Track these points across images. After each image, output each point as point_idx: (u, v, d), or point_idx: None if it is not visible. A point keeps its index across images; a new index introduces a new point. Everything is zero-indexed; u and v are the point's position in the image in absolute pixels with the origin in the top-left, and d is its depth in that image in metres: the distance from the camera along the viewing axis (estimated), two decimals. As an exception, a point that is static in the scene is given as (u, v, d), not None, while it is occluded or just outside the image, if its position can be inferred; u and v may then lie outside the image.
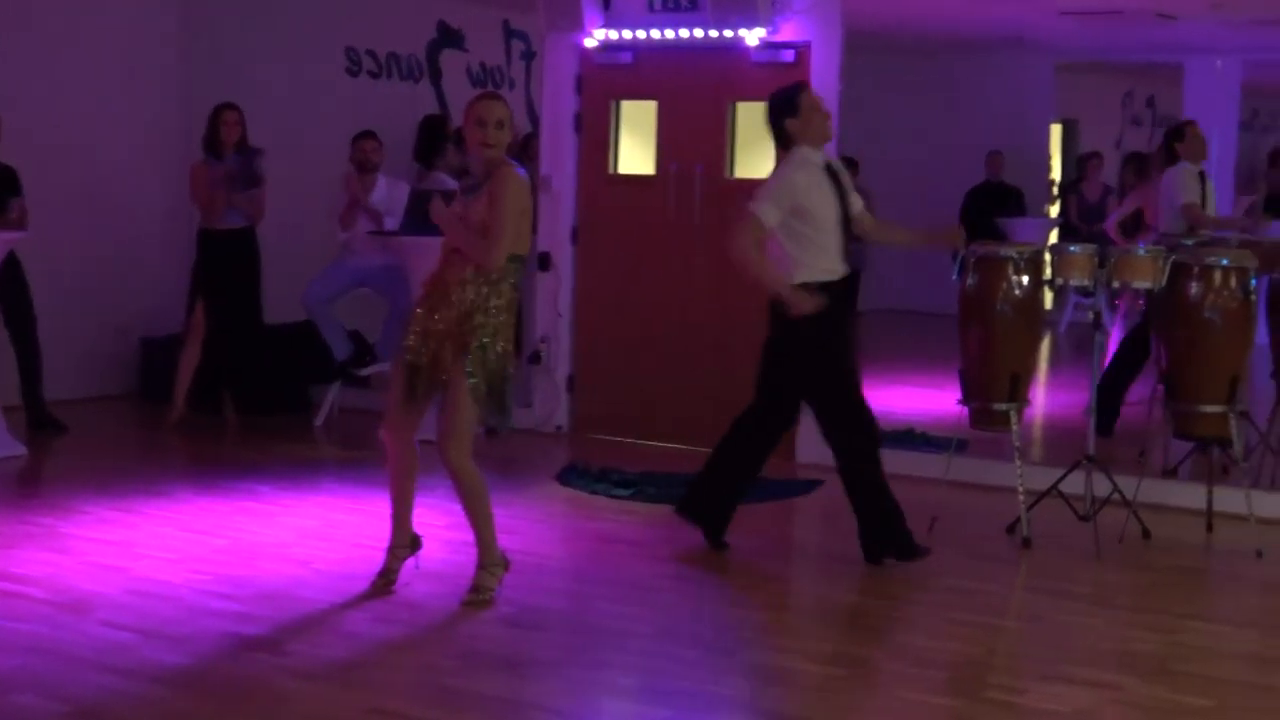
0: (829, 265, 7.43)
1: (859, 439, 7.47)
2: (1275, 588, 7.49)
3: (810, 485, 9.18)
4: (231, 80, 11.30)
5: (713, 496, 7.65)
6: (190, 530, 7.79)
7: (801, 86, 7.71)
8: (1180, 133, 10.51)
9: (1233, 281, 7.91)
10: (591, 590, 7.09)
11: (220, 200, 10.37)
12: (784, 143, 7.55)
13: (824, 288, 7.32)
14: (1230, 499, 8.20)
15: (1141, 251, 8.16)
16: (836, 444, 7.53)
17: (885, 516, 7.36)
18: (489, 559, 6.69)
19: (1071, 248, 8.30)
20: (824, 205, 7.39)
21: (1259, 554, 7.76)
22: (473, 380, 6.41)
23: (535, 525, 8.06)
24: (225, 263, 10.59)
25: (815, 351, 7.39)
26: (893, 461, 9.39)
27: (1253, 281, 7.96)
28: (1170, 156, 10.51)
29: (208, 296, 10.60)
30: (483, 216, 6.43)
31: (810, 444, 9.67)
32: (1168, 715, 5.65)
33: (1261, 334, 8.61)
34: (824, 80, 9.57)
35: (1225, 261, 7.98)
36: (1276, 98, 21.25)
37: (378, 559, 6.83)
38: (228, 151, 10.49)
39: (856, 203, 7.68)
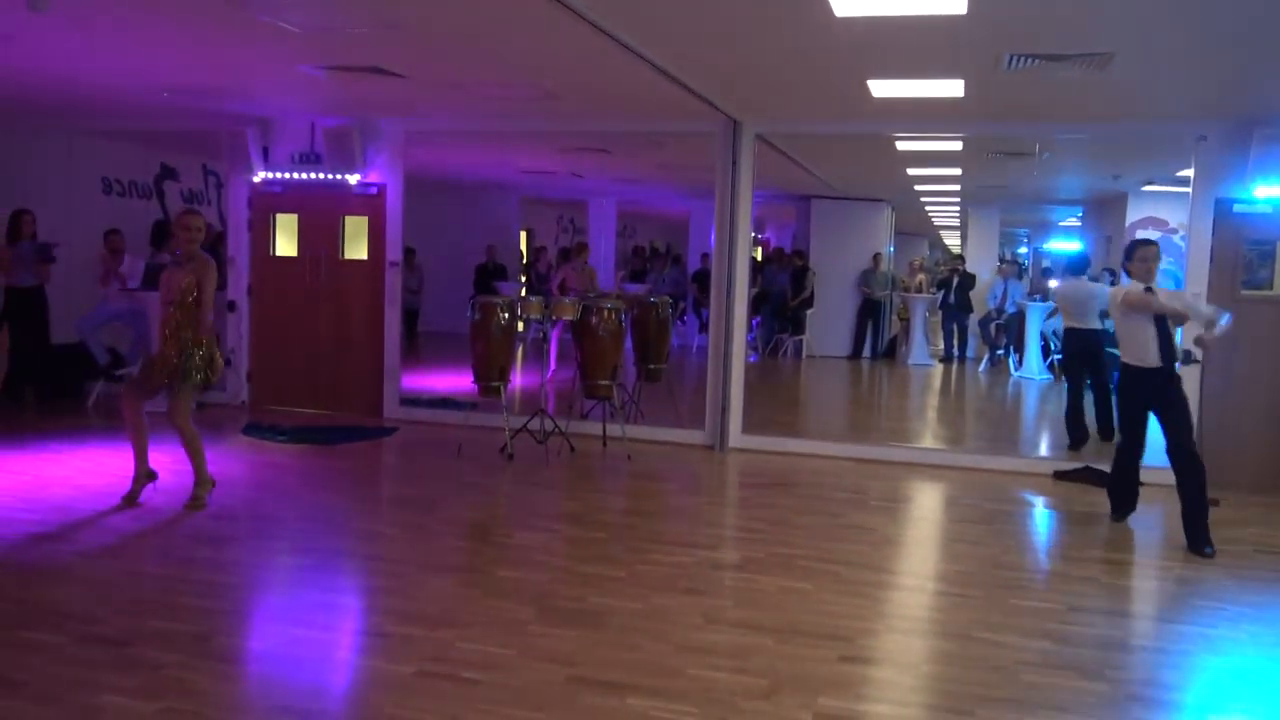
0: (1143, 355, 6.25)
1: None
2: (638, 475, 7.78)
3: (390, 430, 9.00)
4: (25, 193, 10.16)
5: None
6: (3, 471, 7.04)
7: (1140, 243, 6.43)
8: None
9: (614, 315, 8.28)
10: (263, 496, 6.79)
11: (16, 270, 9.54)
12: (1127, 274, 6.45)
13: (1140, 369, 6.26)
14: (614, 429, 8.56)
15: (567, 301, 8.44)
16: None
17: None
18: (202, 479, 6.41)
19: (531, 298, 8.52)
20: (1141, 315, 6.23)
21: (629, 457, 8.15)
22: (191, 379, 6.20)
23: (228, 459, 7.67)
24: (24, 306, 9.67)
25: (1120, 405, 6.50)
26: (439, 416, 9.47)
27: (623, 315, 8.41)
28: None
29: (12, 327, 9.70)
30: (189, 284, 6.19)
31: (393, 403, 9.62)
32: (581, 544, 5.89)
33: (628, 343, 8.95)
34: (394, 205, 9.52)
35: (610, 305, 8.37)
36: (634, 218, 22.38)
37: (128, 486, 6.40)
38: (24, 240, 9.59)
39: (1176, 308, 6.22)
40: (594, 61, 6.55)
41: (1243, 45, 5.62)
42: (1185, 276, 7.96)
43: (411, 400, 9.80)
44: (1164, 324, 6.22)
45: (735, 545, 6.01)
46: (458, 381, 10.44)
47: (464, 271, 16.08)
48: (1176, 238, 12.79)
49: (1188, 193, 8.01)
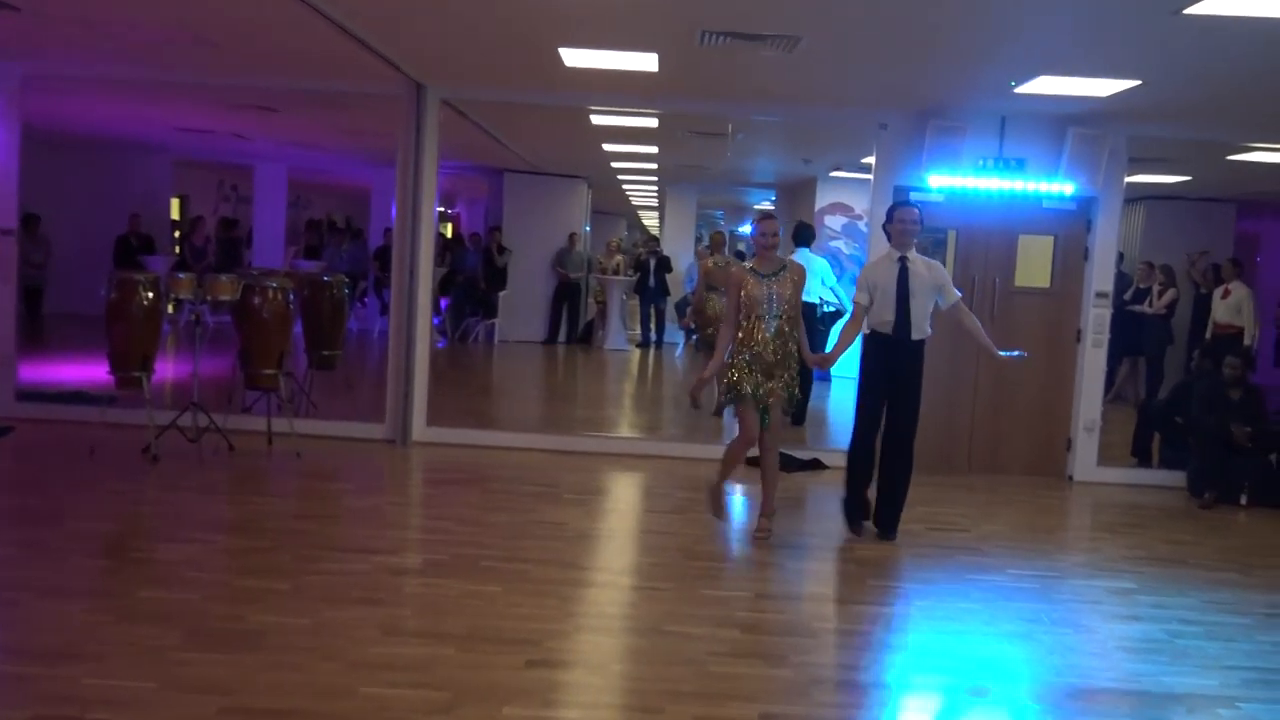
0: (885, 320, 6.29)
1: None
2: (309, 474, 7.56)
3: (5, 431, 8.09)
4: None
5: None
6: None
7: (900, 204, 6.49)
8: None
9: (280, 295, 7.97)
10: None
11: None
12: (888, 239, 6.49)
13: (881, 335, 6.30)
14: (281, 424, 8.20)
15: (223, 279, 7.97)
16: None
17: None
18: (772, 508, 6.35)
19: (181, 275, 8.00)
20: (888, 285, 6.27)
21: (298, 455, 7.86)
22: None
23: None
24: None
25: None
26: (68, 413, 8.66)
27: (291, 295, 8.10)
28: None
29: None
30: (792, 294, 6.22)
31: (8, 398, 8.69)
32: (241, 556, 5.67)
33: (298, 327, 8.66)
34: (6, 163, 8.56)
35: (275, 284, 8.03)
36: (309, 187, 21.55)
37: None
38: None
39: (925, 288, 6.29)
40: (256, 8, 6.21)
41: (918, 38, 6.19)
42: (868, 260, 8.66)
43: (33, 394, 8.96)
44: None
45: (417, 548, 5.96)
46: (91, 372, 9.60)
47: (102, 243, 14.85)
48: (861, 224, 13.92)
49: (871, 179, 8.74)
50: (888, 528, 6.56)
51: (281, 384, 8.11)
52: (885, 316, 6.33)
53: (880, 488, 6.57)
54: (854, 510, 6.62)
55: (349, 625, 4.64)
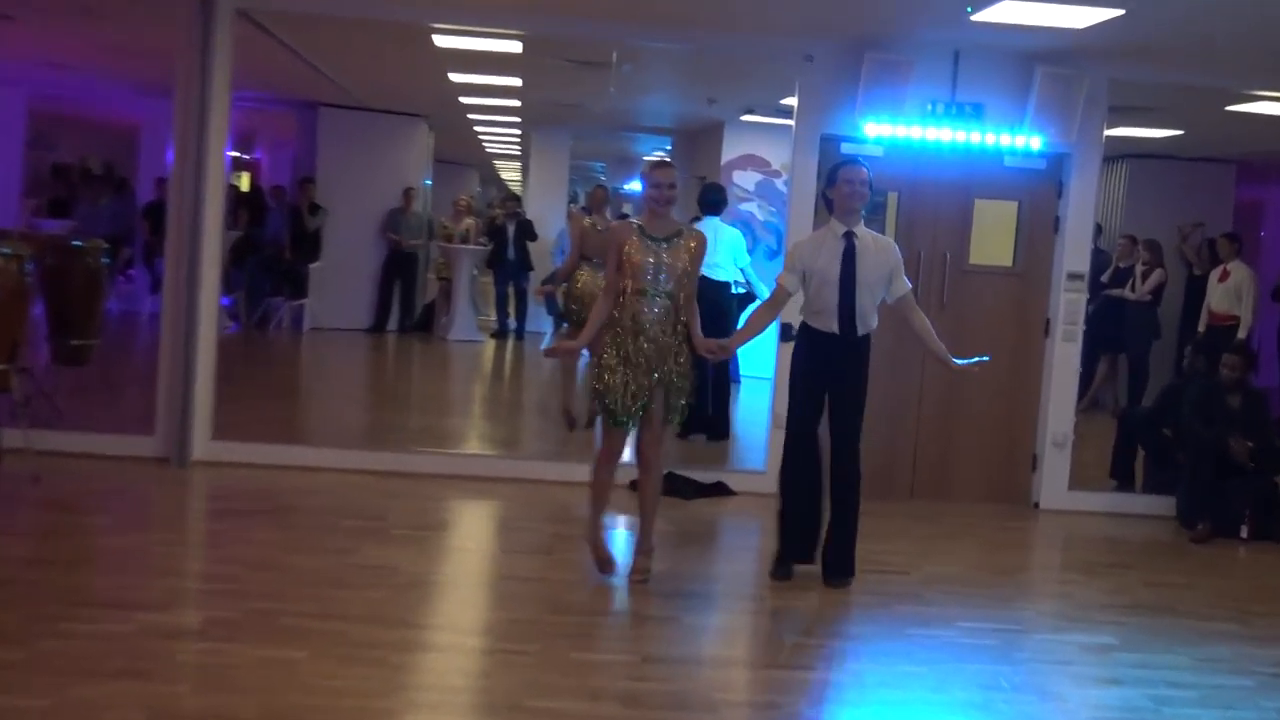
0: (824, 311, 6.27)
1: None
2: (52, 504, 7.36)
3: None
4: None
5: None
6: None
7: (844, 163, 6.51)
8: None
9: (13, 265, 7.77)
10: None
11: None
12: (829, 209, 6.51)
13: (816, 333, 6.31)
14: (14, 437, 7.93)
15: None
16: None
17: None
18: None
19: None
20: (829, 268, 6.22)
21: (37, 479, 7.59)
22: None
23: None
24: None
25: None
26: None
27: (28, 265, 7.89)
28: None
29: None
30: (685, 266, 6.20)
31: None
32: None
33: (38, 307, 8.44)
34: None
35: (7, 250, 7.81)
36: (56, 122, 20.97)
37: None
38: None
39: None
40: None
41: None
42: (787, 230, 8.77)
43: None
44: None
45: (197, 602, 5.87)
46: None
47: None
48: (779, 181, 14.09)
49: (792, 125, 8.82)
50: (836, 570, 6.54)
51: (14, 384, 7.90)
52: (824, 308, 6.33)
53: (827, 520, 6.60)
54: (790, 552, 6.58)
55: (104, 705, 4.54)
